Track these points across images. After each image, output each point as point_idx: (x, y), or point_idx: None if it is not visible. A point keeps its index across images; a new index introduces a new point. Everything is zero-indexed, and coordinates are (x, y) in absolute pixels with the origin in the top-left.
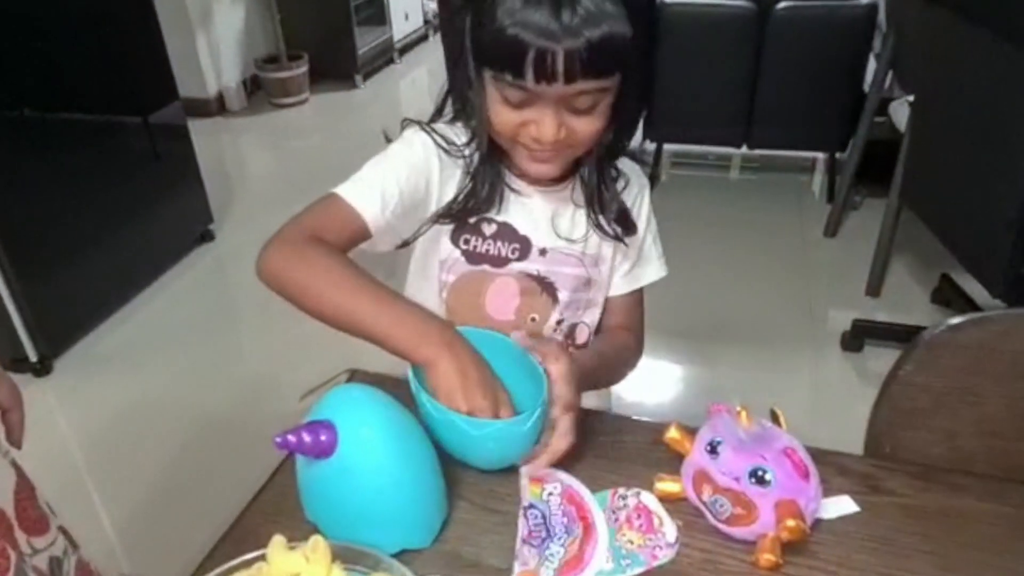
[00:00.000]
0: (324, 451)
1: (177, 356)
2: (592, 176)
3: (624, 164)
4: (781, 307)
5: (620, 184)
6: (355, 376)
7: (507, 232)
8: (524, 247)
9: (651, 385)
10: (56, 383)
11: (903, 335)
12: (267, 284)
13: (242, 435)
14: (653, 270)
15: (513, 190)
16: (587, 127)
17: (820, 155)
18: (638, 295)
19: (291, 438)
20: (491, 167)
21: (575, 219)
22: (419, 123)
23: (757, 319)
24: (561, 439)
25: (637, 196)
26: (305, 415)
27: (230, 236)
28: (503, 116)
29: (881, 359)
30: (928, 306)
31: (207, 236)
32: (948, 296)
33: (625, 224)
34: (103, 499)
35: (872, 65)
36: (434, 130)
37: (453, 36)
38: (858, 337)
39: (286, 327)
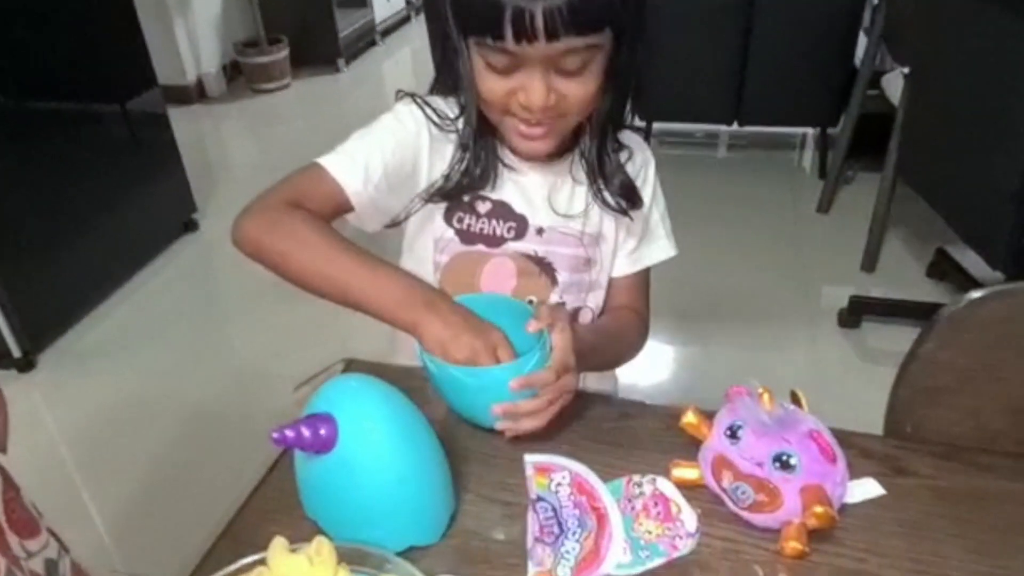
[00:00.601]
0: (324, 446)
1: (164, 349)
2: (592, 148)
3: (628, 138)
4: (776, 285)
5: (624, 156)
6: (351, 366)
7: (502, 211)
8: (521, 226)
9: (648, 366)
10: (40, 379)
11: (901, 310)
12: (245, 252)
13: (235, 428)
14: (660, 249)
15: (507, 166)
16: (579, 90)
17: (809, 131)
18: (644, 275)
19: (289, 433)
20: (484, 142)
21: (574, 194)
22: (412, 95)
23: (752, 298)
24: (535, 403)
25: (641, 169)
26: (300, 407)
27: (214, 224)
28: (490, 84)
29: (879, 335)
30: (924, 280)
31: (191, 225)
32: (944, 270)
33: (630, 197)
34: (92, 496)
35: (862, 39)
36: (428, 103)
37: (436, 8)
38: (855, 313)
39: (275, 316)
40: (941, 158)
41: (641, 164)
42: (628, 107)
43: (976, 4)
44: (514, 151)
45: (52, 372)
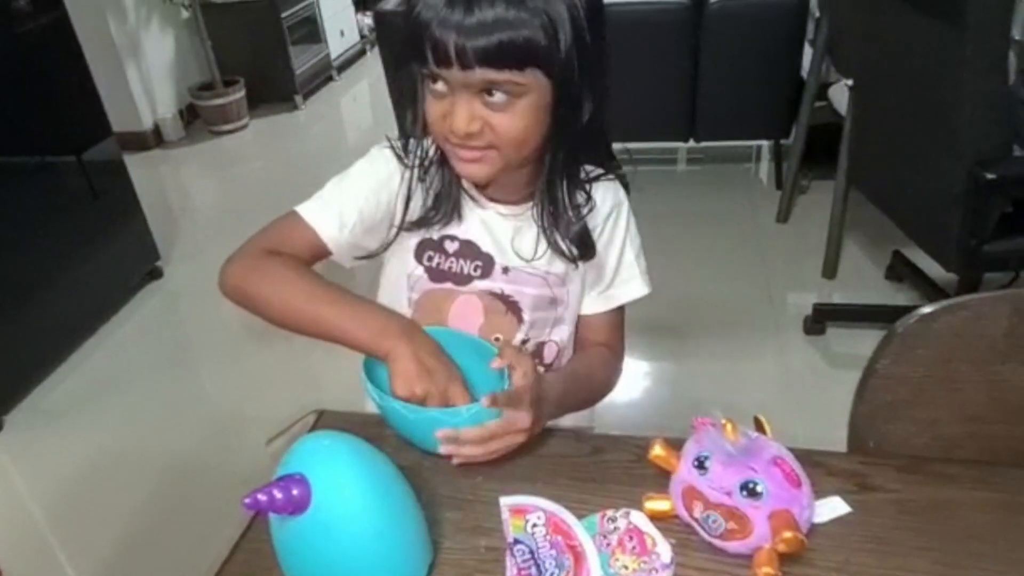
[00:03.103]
0: (298, 507)
1: (134, 401)
2: (546, 195)
3: (601, 185)
4: (740, 296)
5: (587, 207)
6: (323, 417)
7: (470, 250)
8: (487, 265)
9: (618, 384)
10: (7, 441)
11: (863, 315)
12: (230, 298)
13: (209, 480)
14: (635, 288)
15: (474, 200)
16: (505, 124)
17: (764, 143)
18: (618, 313)
19: (261, 497)
20: (442, 174)
21: (539, 240)
22: (389, 139)
23: (717, 310)
24: (476, 432)
25: (611, 214)
26: (273, 460)
27: (179, 271)
28: (430, 107)
29: (844, 340)
30: (883, 283)
31: (155, 273)
32: (901, 272)
33: (582, 246)
34: (66, 558)
35: (808, 51)
36: (404, 146)
37: (393, 57)
38: (820, 321)
39: (245, 360)
40: (889, 165)
41: (612, 207)
42: (593, 155)
43: (910, 15)
44: (466, 180)
45: (20, 432)
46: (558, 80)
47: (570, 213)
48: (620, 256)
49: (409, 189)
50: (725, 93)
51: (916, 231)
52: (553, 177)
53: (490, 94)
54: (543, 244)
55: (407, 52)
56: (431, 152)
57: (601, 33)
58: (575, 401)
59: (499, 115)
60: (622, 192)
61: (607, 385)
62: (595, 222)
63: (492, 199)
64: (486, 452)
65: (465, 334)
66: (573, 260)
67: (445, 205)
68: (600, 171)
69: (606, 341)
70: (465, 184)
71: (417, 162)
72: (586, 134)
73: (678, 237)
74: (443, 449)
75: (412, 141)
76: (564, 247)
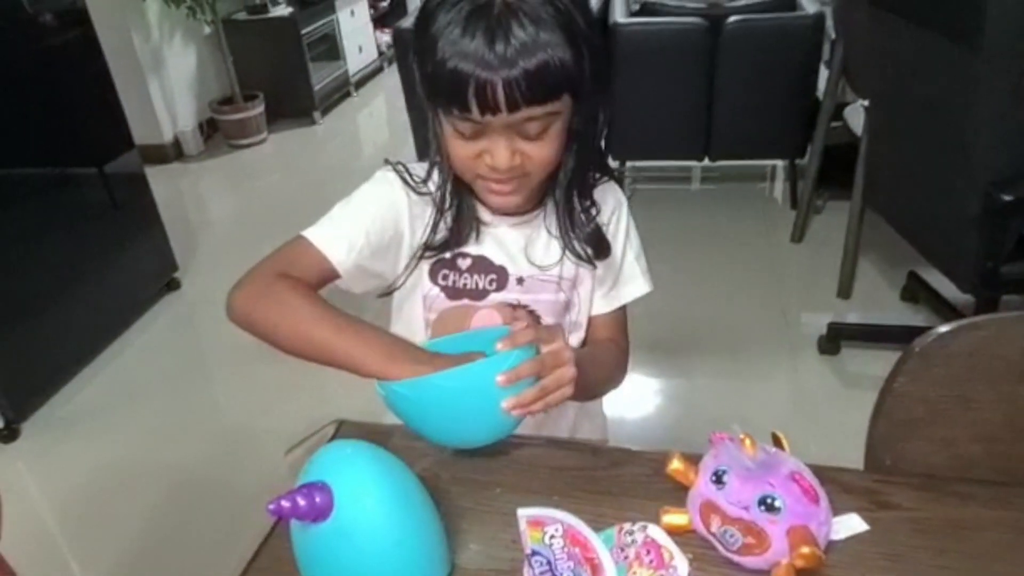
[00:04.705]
0: (320, 514)
1: (150, 412)
2: (561, 201)
3: (601, 186)
4: (755, 315)
5: (595, 209)
6: (342, 428)
7: (482, 264)
8: (501, 277)
9: (633, 401)
10: (24, 448)
11: (878, 335)
12: (238, 324)
13: (226, 491)
14: (636, 286)
15: (483, 222)
16: (541, 152)
17: (779, 162)
18: (622, 311)
19: (284, 503)
20: (459, 200)
21: (549, 245)
22: (391, 162)
23: (732, 329)
24: (532, 367)
25: (613, 215)
26: (292, 470)
27: (197, 283)
28: (459, 149)
29: (858, 360)
30: (899, 304)
31: (173, 284)
32: (916, 293)
33: (598, 247)
34: (80, 567)
35: (824, 72)
36: (406, 168)
37: (410, 78)
38: (834, 340)
39: (262, 372)
40: (905, 186)
41: (614, 208)
42: (596, 160)
43: (917, 34)
44: (487, 206)
45: (36, 440)
46: (581, 96)
47: (582, 216)
48: (623, 256)
49: (436, 222)
50: (740, 112)
51: (932, 252)
52: (568, 185)
53: (525, 127)
54: (556, 249)
55: (437, 102)
56: (448, 184)
57: (600, 34)
58: (592, 381)
59: (533, 144)
60: (620, 193)
61: (614, 378)
62: (600, 223)
63: (504, 213)
64: (544, 403)
65: (483, 330)
66: (590, 260)
67: (466, 228)
68: (601, 175)
69: (612, 337)
70: (477, 207)
71: (438, 195)
72: (596, 143)
73: (692, 256)
74: (505, 403)
75: (420, 170)
76: (581, 250)
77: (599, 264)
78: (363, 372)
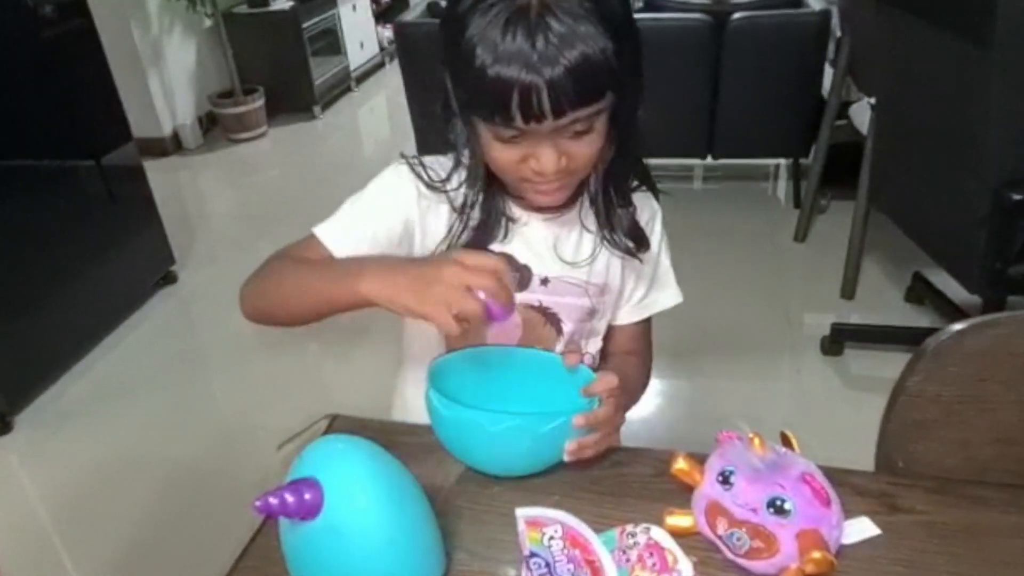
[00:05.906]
0: (310, 512)
1: (144, 406)
2: (599, 193)
3: (636, 195)
4: (758, 315)
5: (631, 207)
6: (335, 423)
7: (507, 262)
8: (525, 277)
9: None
10: (17, 441)
11: (882, 336)
12: (253, 318)
13: (219, 485)
14: (670, 296)
15: (512, 219)
16: (586, 150)
17: (782, 161)
18: (648, 323)
19: (272, 501)
20: (490, 199)
21: (581, 242)
22: (405, 157)
23: (735, 329)
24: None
25: (649, 221)
26: (284, 465)
27: (193, 277)
28: (502, 154)
29: (862, 361)
30: (903, 305)
31: (170, 278)
32: (921, 294)
33: (638, 240)
34: (72, 561)
35: (828, 70)
36: (422, 163)
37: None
38: (837, 341)
39: (258, 366)
40: (911, 185)
41: (649, 216)
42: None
43: (927, 31)
44: (529, 203)
45: (30, 433)
46: (623, 88)
47: (620, 210)
48: (657, 263)
49: (456, 223)
50: (744, 110)
51: (939, 252)
52: (608, 180)
53: (570, 128)
54: (588, 246)
55: (479, 113)
56: (479, 184)
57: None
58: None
59: (578, 144)
60: (655, 203)
61: (638, 395)
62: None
63: (536, 209)
64: (595, 449)
65: (519, 350)
66: (631, 253)
67: (495, 227)
68: (639, 184)
69: (636, 350)
70: (506, 205)
71: (458, 195)
72: (635, 134)
73: (694, 255)
74: (569, 448)
75: (437, 166)
76: (620, 242)
77: (625, 274)
78: (339, 304)
